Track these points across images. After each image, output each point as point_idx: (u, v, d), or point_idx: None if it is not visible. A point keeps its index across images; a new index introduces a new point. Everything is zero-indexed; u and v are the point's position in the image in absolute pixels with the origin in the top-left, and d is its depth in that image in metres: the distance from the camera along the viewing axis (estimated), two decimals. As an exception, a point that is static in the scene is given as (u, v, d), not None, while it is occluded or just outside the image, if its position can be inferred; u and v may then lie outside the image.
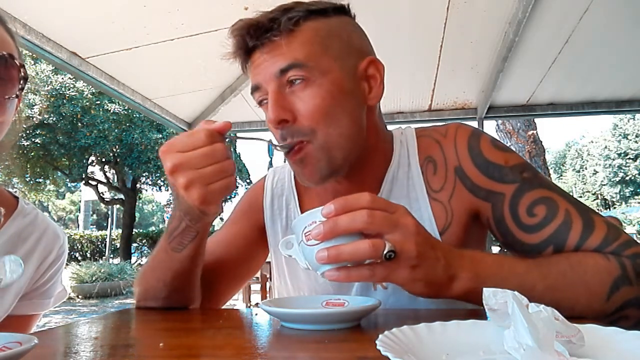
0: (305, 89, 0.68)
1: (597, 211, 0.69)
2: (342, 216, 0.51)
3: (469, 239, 0.76)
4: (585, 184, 37.51)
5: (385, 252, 0.50)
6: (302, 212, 0.88)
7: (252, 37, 0.70)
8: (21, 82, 0.74)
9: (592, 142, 37.16)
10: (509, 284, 0.54)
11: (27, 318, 0.94)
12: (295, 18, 0.69)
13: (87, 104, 12.37)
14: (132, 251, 15.81)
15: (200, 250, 0.70)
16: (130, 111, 12.73)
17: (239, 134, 0.67)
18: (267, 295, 4.55)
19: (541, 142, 7.51)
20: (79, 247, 16.95)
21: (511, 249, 0.71)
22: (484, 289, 0.42)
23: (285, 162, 0.87)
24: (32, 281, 0.91)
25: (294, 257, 0.58)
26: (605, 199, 35.04)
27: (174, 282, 0.71)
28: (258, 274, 4.68)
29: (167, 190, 16.71)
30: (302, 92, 0.68)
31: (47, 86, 11.92)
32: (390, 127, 0.86)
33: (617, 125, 33.07)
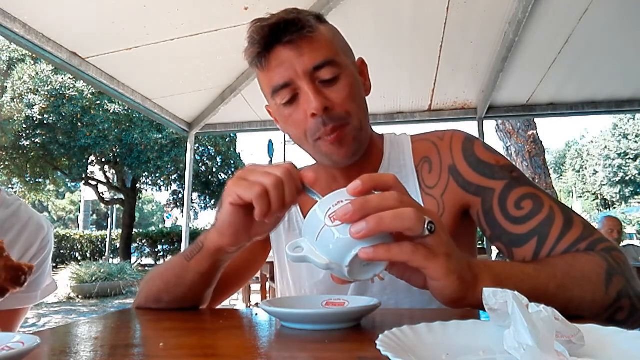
0: (336, 82, 0.74)
1: (574, 211, 0.73)
2: (372, 196, 0.47)
3: (459, 233, 0.79)
4: (585, 184, 37.51)
5: (426, 223, 0.46)
6: (302, 212, 0.88)
7: (285, 33, 0.71)
8: None
9: (592, 142, 37.17)
10: (524, 286, 0.54)
11: (13, 312, 0.93)
12: (315, 19, 0.75)
13: (87, 104, 12.37)
14: (132, 251, 15.82)
15: (208, 271, 0.69)
16: (130, 111, 12.73)
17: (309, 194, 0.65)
18: (267, 295, 4.55)
19: (541, 142, 7.51)
20: (79, 247, 16.94)
21: (498, 241, 0.74)
22: (484, 288, 0.41)
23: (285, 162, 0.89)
24: None
25: (308, 256, 0.49)
26: (605, 199, 35.04)
27: (177, 289, 0.71)
28: (258, 274, 4.69)
29: (167, 190, 16.74)
30: (334, 85, 0.74)
31: (47, 86, 11.92)
32: (388, 129, 0.89)
33: (617, 125, 33.07)
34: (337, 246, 0.47)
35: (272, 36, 0.72)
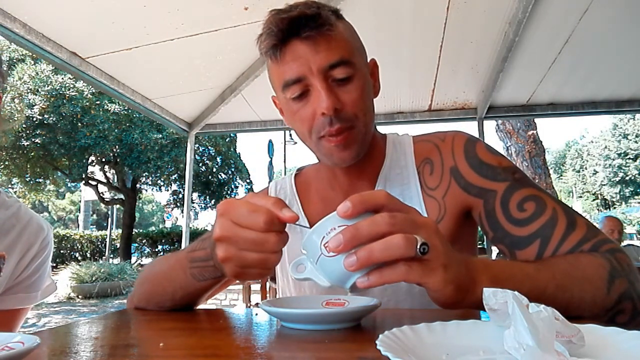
0: (349, 83, 0.73)
1: (578, 212, 0.72)
2: (362, 222, 0.47)
3: (460, 234, 0.79)
4: (585, 184, 37.50)
5: (419, 245, 0.45)
6: (304, 212, 0.88)
7: (304, 28, 0.69)
8: None
9: (592, 142, 37.17)
10: (524, 286, 0.54)
11: (13, 312, 0.93)
12: (334, 15, 0.74)
13: (87, 104, 12.36)
14: (132, 251, 15.81)
15: (219, 280, 0.69)
16: (130, 111, 12.72)
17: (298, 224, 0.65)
18: (267, 295, 4.55)
19: (541, 142, 7.52)
20: (79, 247, 16.94)
21: (499, 243, 0.74)
22: (484, 289, 0.41)
23: (285, 162, 0.89)
24: (14, 275, 0.90)
25: (311, 277, 0.51)
26: (605, 199, 35.04)
27: (183, 300, 0.73)
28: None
29: (167, 190, 16.74)
30: (346, 86, 0.73)
31: (47, 86, 11.91)
32: (388, 129, 0.89)
33: (617, 125, 33.07)
34: (335, 274, 0.49)
35: (291, 30, 0.70)
